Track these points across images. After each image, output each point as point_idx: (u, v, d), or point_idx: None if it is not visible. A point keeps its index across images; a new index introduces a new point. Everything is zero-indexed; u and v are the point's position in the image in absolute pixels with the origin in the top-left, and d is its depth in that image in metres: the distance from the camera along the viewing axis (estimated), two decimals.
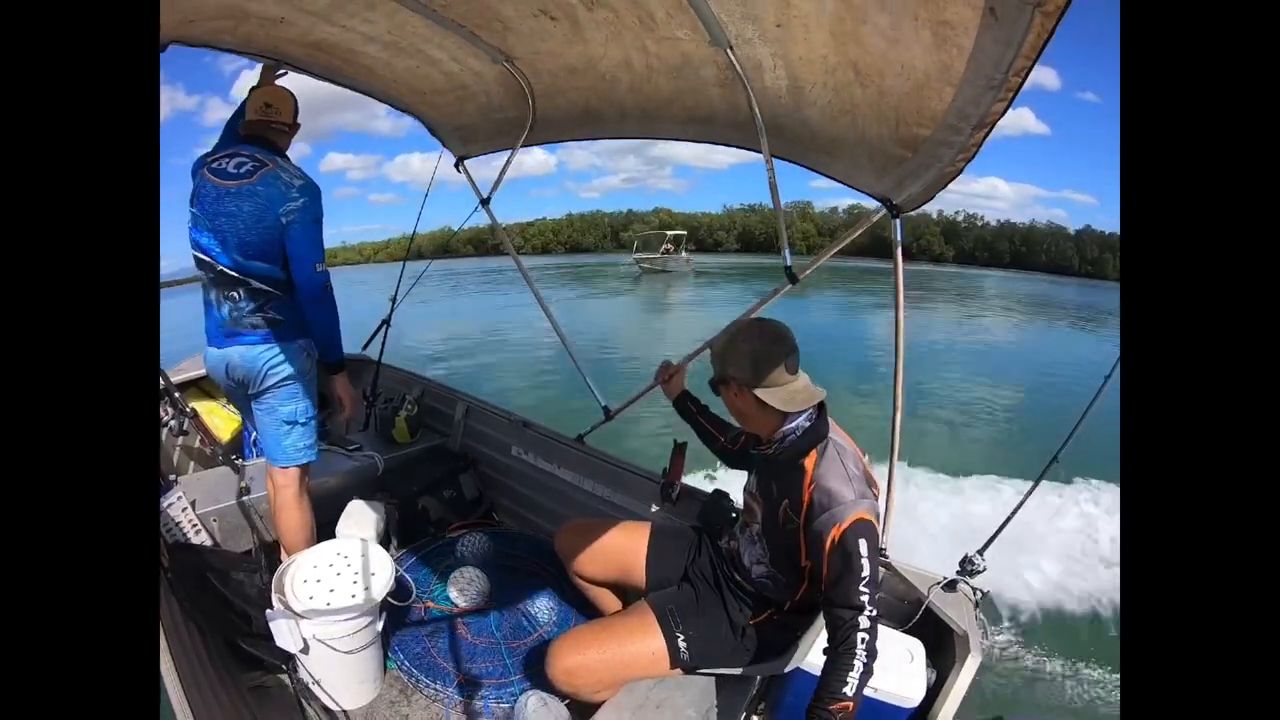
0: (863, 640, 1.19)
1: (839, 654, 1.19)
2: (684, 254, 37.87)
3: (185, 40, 1.90)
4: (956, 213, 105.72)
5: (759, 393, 1.35)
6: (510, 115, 2.37)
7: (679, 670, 1.48)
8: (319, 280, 1.85)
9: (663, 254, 37.48)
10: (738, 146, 1.93)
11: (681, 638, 1.47)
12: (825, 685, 1.18)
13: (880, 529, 1.83)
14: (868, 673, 1.18)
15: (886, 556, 1.82)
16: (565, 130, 2.36)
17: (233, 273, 1.79)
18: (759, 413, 1.40)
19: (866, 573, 1.21)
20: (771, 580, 1.48)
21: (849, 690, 1.16)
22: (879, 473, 1.54)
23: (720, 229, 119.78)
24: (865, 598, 1.20)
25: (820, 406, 1.41)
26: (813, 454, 1.36)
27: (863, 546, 1.23)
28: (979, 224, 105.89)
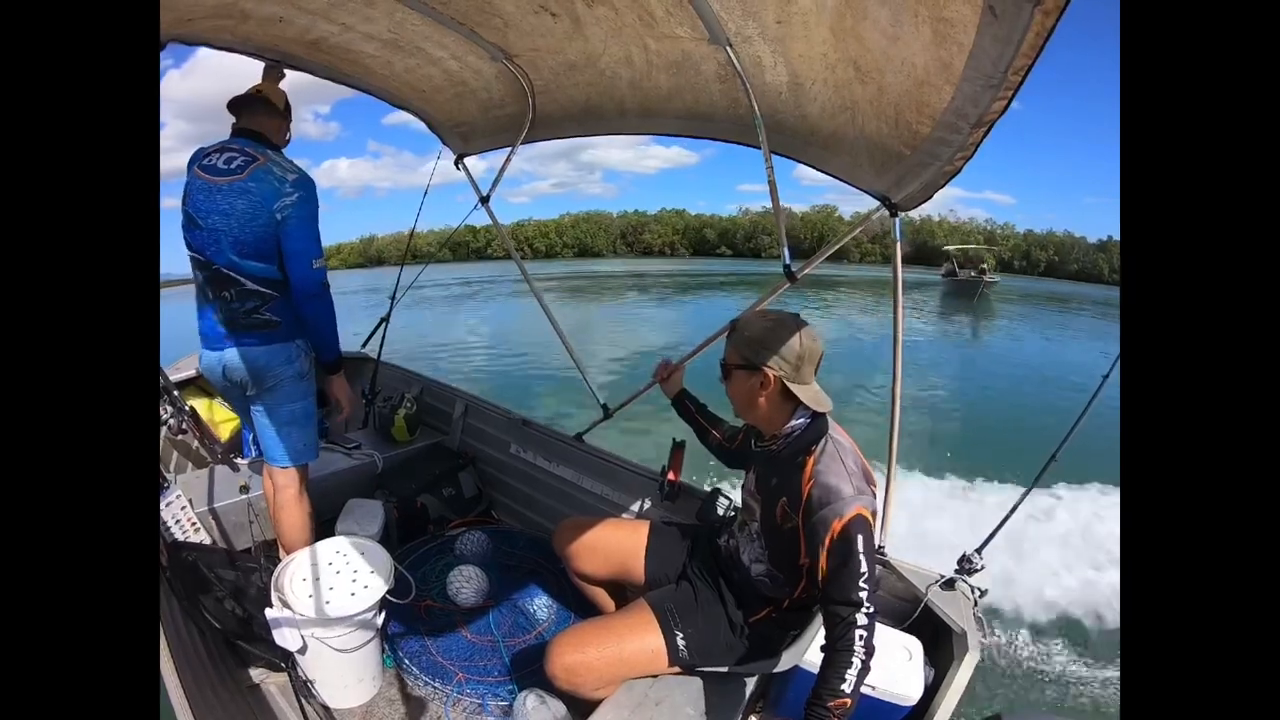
0: (860, 637, 1.18)
1: (837, 651, 1.19)
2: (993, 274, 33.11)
3: (184, 39, 1.88)
4: (987, 220, 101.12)
5: (796, 388, 1.35)
6: (510, 112, 2.36)
7: (678, 668, 1.48)
8: (316, 277, 1.81)
9: (984, 275, 31.91)
10: (738, 142, 1.93)
11: (680, 636, 1.47)
12: (823, 682, 1.18)
13: (879, 526, 1.84)
14: (865, 670, 1.18)
15: (885, 554, 1.82)
16: (565, 127, 2.35)
17: (229, 272, 1.75)
18: (777, 406, 1.40)
19: (864, 569, 1.21)
20: (770, 578, 1.48)
21: (846, 687, 1.16)
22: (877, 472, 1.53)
23: (762, 233, 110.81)
24: (863, 594, 1.20)
25: None
26: (813, 451, 1.36)
27: (860, 543, 1.23)
28: (1013, 232, 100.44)
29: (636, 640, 1.47)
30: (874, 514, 1.29)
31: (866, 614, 1.20)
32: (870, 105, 1.37)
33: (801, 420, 1.40)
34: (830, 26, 1.23)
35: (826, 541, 1.24)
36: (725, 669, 1.50)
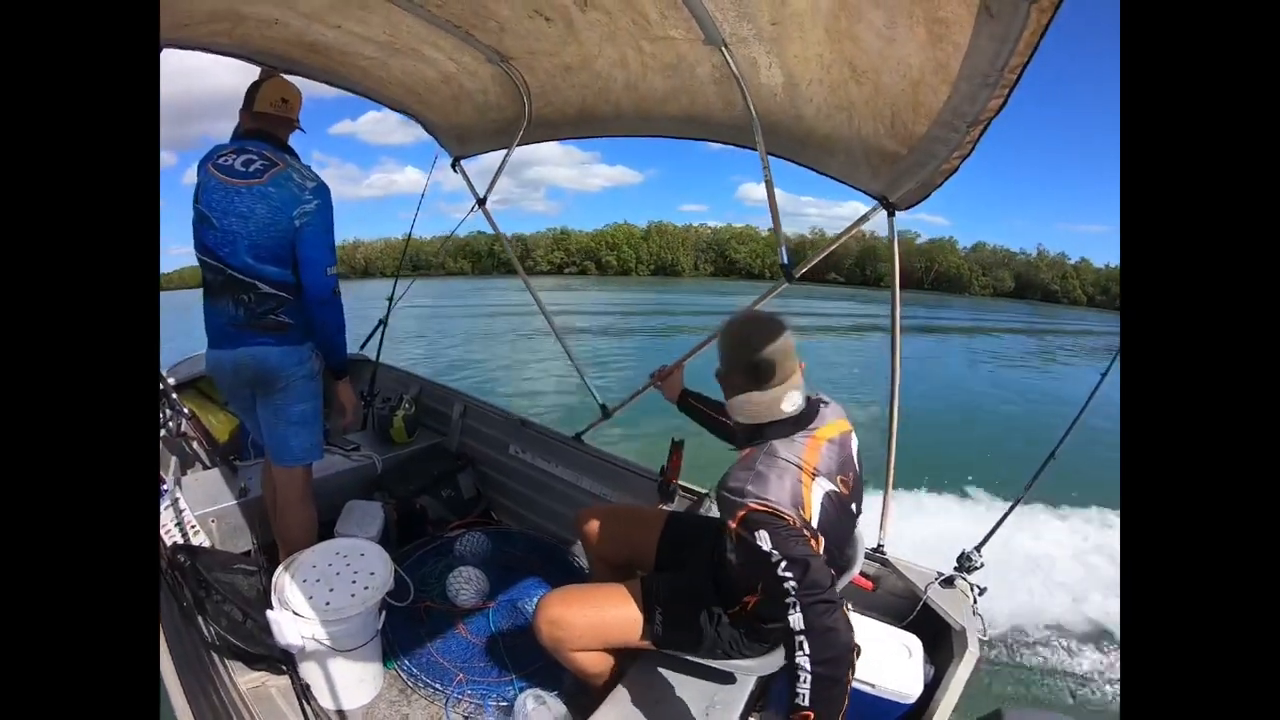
0: (800, 645, 1.08)
1: (789, 665, 1.11)
2: None
3: (181, 44, 1.88)
4: (1060, 253, 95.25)
5: (737, 398, 1.33)
6: (507, 114, 2.36)
7: (649, 643, 1.48)
8: (329, 283, 1.83)
9: None
10: (735, 144, 1.93)
11: (659, 611, 1.47)
12: (790, 697, 1.11)
13: (881, 527, 1.84)
14: (825, 680, 1.07)
15: (884, 553, 1.83)
16: (561, 129, 2.35)
17: (244, 276, 1.75)
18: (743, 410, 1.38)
19: (774, 558, 1.11)
20: (735, 575, 1.47)
21: (802, 701, 1.07)
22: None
23: (877, 259, 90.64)
24: (787, 589, 1.10)
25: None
26: (744, 452, 1.32)
27: (759, 538, 1.13)
28: (1089, 266, 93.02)
29: (618, 608, 1.48)
30: (770, 509, 1.17)
31: (802, 614, 1.09)
32: (866, 105, 1.37)
33: (749, 421, 1.35)
34: (825, 27, 1.23)
35: (730, 547, 1.19)
36: (697, 658, 1.49)
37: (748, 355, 1.30)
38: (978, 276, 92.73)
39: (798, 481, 1.23)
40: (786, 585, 1.10)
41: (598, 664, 1.50)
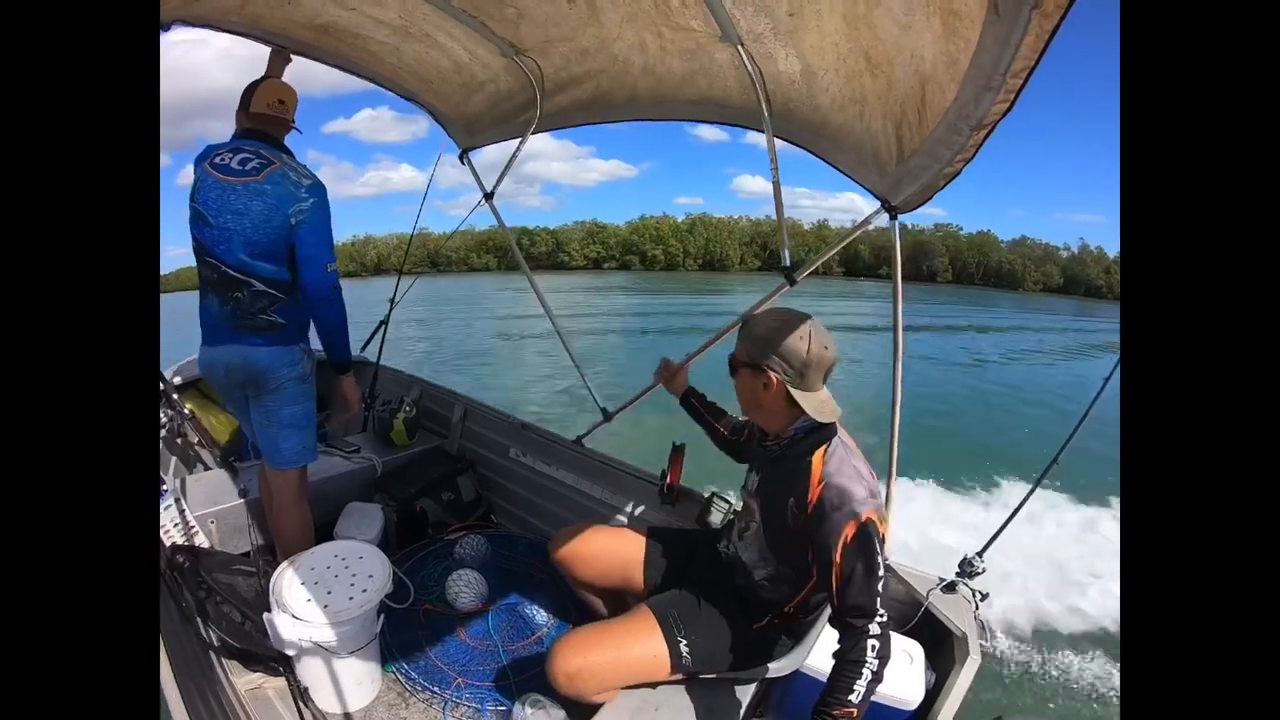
0: (873, 648, 1.18)
1: (848, 661, 1.19)
2: None
3: (188, 20, 1.86)
4: (1098, 246, 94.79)
5: (797, 394, 1.33)
6: (519, 103, 2.35)
7: (680, 675, 1.47)
8: (329, 280, 1.83)
9: None
10: (752, 128, 1.91)
11: (684, 642, 1.45)
12: (831, 691, 1.17)
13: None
14: (877, 679, 1.18)
15: (886, 558, 1.82)
16: (574, 116, 2.33)
17: (238, 273, 1.76)
18: (780, 408, 1.38)
19: (880, 574, 1.21)
20: (772, 583, 1.47)
21: (854, 698, 1.15)
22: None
23: (931, 254, 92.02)
24: (877, 601, 1.20)
25: None
26: (820, 451, 1.34)
27: (874, 545, 1.22)
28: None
29: (639, 645, 1.45)
30: (879, 514, 1.28)
31: (879, 623, 1.19)
32: (879, 100, 1.38)
33: (805, 422, 1.38)
34: (843, 14, 1.24)
35: (839, 545, 1.22)
36: (728, 675, 1.49)
37: (834, 355, 1.37)
38: (1030, 272, 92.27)
39: (868, 462, 1.36)
40: (878, 600, 1.21)
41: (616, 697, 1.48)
